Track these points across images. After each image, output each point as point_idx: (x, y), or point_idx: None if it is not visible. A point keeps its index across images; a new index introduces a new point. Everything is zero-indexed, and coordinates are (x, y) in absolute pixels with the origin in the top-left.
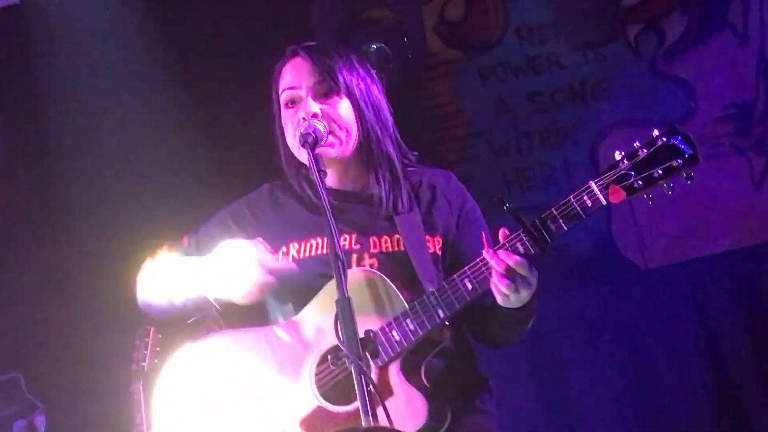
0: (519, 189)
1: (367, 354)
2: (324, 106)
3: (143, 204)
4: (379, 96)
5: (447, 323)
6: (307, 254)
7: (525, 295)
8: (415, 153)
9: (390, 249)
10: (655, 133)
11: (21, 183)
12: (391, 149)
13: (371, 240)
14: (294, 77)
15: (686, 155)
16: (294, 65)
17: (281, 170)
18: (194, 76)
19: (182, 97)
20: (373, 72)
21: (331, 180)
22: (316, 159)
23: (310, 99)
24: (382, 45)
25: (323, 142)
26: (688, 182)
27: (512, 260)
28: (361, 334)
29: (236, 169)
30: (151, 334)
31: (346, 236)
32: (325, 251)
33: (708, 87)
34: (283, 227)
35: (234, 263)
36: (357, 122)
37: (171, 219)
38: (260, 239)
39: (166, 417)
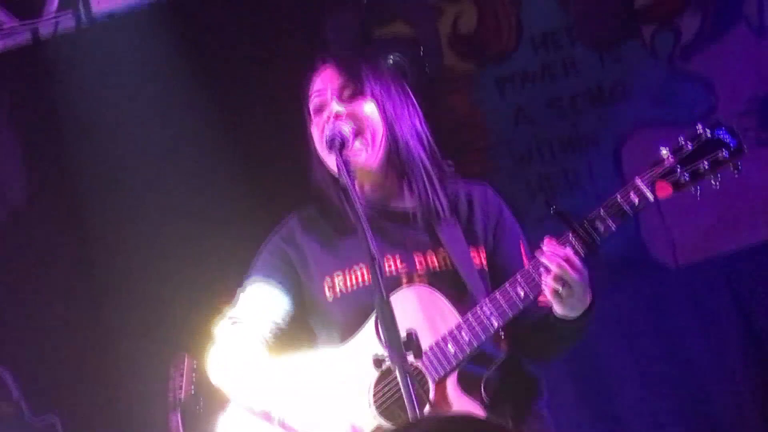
0: (544, 197)
1: (420, 364)
2: (348, 107)
3: (175, 237)
4: (407, 103)
5: (503, 335)
6: (352, 286)
7: (579, 291)
8: (450, 163)
9: (437, 266)
10: (699, 126)
11: (48, 220)
12: (423, 155)
13: (416, 258)
14: (321, 83)
15: (732, 147)
16: (321, 73)
17: (314, 188)
18: (219, 103)
19: (210, 124)
20: (404, 82)
21: (369, 196)
22: (345, 161)
23: (334, 100)
24: (399, 57)
25: (350, 144)
26: (736, 174)
27: (562, 254)
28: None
29: (273, 198)
30: (186, 362)
31: (390, 257)
32: (369, 278)
33: (727, 82)
34: (325, 258)
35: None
36: (384, 125)
37: (204, 252)
38: None
39: None
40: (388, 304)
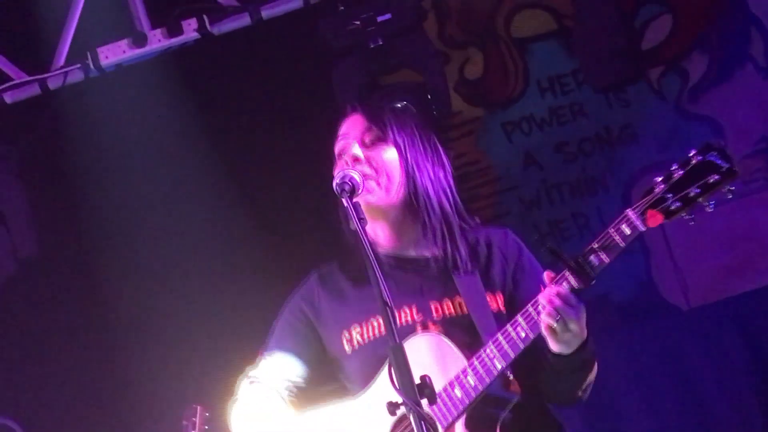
0: (554, 241)
1: (432, 411)
2: (367, 152)
3: (186, 289)
4: (434, 154)
5: (512, 377)
6: (369, 337)
7: (574, 328)
8: (476, 219)
9: (453, 313)
10: (691, 152)
11: (58, 271)
12: (446, 205)
13: (432, 306)
14: (346, 128)
15: (722, 170)
16: (349, 120)
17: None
18: (228, 152)
19: (219, 174)
20: (431, 134)
21: (387, 243)
22: (356, 207)
23: (355, 144)
24: (406, 103)
25: (360, 190)
26: (729, 197)
27: (555, 290)
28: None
29: (288, 251)
30: (198, 413)
31: (407, 309)
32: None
33: (736, 123)
34: (343, 313)
35: None
36: (403, 172)
37: (217, 303)
38: None
39: None
40: (401, 349)
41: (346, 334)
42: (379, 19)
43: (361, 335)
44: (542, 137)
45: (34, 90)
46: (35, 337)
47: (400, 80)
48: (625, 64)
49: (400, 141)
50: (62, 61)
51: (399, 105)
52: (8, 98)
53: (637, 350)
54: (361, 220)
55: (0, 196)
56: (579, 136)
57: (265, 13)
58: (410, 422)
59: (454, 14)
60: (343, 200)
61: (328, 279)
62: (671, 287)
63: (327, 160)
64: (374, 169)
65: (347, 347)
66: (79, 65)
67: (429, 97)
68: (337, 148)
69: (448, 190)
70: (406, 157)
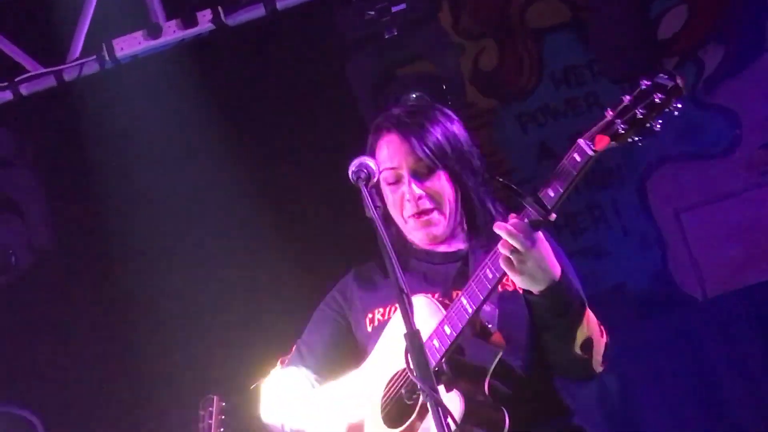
0: (570, 234)
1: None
2: (425, 187)
3: (203, 278)
4: (469, 144)
5: (493, 328)
6: (390, 316)
7: (532, 257)
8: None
9: None
10: (642, 78)
11: (75, 263)
12: (486, 200)
13: (453, 293)
14: (392, 157)
15: (667, 88)
16: (390, 143)
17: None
18: (244, 140)
19: (236, 161)
20: (459, 121)
21: (422, 243)
22: (371, 194)
23: (414, 185)
24: (421, 94)
25: (376, 178)
26: (675, 113)
27: (510, 223)
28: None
29: (309, 248)
30: (215, 403)
31: (430, 295)
32: None
33: (752, 114)
34: (370, 299)
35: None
36: (457, 189)
37: (234, 294)
38: None
39: None
40: (418, 335)
41: (370, 315)
42: (394, 9)
43: (383, 315)
44: (557, 128)
45: (50, 82)
46: (52, 328)
47: (414, 71)
48: (640, 54)
49: (449, 162)
50: (78, 52)
51: (414, 96)
52: (24, 90)
53: (653, 341)
54: (377, 208)
55: (16, 188)
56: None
57: (280, 4)
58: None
59: (469, 5)
60: (360, 188)
61: (363, 274)
62: (687, 278)
63: (344, 151)
64: (437, 203)
65: (369, 327)
66: (94, 57)
67: (444, 88)
68: (387, 176)
69: (482, 173)
70: (457, 174)
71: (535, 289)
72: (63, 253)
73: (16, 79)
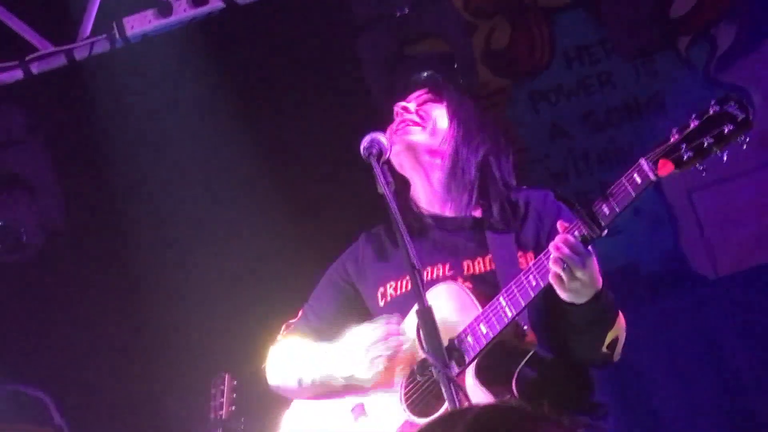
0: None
1: (453, 363)
2: (419, 107)
3: (215, 258)
4: (483, 120)
5: (525, 327)
6: (402, 291)
7: (581, 276)
8: (513, 182)
9: (483, 270)
10: (711, 103)
11: (86, 242)
12: (494, 167)
13: (464, 264)
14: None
15: (738, 120)
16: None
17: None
18: (255, 119)
19: (248, 140)
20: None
21: (428, 202)
22: (383, 170)
23: (406, 101)
24: (433, 72)
25: (387, 154)
26: (744, 147)
27: (562, 238)
28: (445, 342)
29: (321, 223)
30: (226, 381)
31: (440, 266)
32: None
33: (765, 92)
34: (382, 271)
35: (360, 346)
36: (453, 131)
37: (245, 272)
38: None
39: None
40: (430, 312)
41: (381, 289)
42: None
43: (394, 289)
44: (569, 107)
45: (61, 61)
46: (63, 306)
47: (426, 50)
48: (652, 32)
49: (453, 104)
50: (88, 31)
51: (425, 74)
52: (35, 69)
53: (665, 320)
54: (389, 183)
55: (27, 167)
56: (607, 105)
57: None
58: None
59: None
60: (372, 163)
61: (373, 239)
62: (699, 257)
63: (358, 124)
64: (421, 117)
65: (381, 301)
66: (105, 36)
67: (455, 66)
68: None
69: (492, 148)
70: (458, 118)
71: (578, 301)
72: (74, 231)
73: (26, 58)
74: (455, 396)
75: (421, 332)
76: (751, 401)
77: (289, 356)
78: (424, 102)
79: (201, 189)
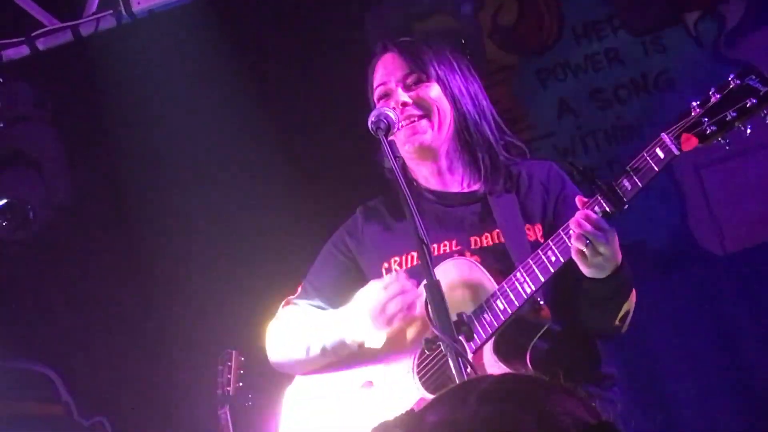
0: (588, 189)
1: (462, 337)
2: (413, 95)
3: (222, 234)
4: (474, 85)
5: (542, 302)
6: (408, 266)
7: (604, 252)
8: (520, 143)
9: (490, 243)
10: (731, 76)
11: (94, 218)
12: (489, 135)
13: (471, 239)
14: (384, 73)
15: (761, 93)
16: (385, 61)
17: (381, 171)
18: (263, 95)
19: (256, 118)
20: (467, 62)
21: (433, 181)
22: (391, 144)
23: (399, 89)
24: (407, 40)
25: (395, 129)
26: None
27: (584, 214)
28: (454, 317)
29: (327, 200)
30: (233, 357)
31: (446, 242)
32: None
33: None
34: (383, 245)
35: (373, 304)
36: (450, 106)
37: (252, 249)
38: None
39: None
40: (438, 286)
41: (386, 265)
42: None
43: (399, 264)
44: (577, 84)
45: (67, 37)
46: (70, 284)
47: (434, 26)
48: (661, 8)
49: (443, 76)
50: (94, 7)
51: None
52: (41, 45)
53: (673, 296)
54: (397, 158)
55: (34, 144)
56: (614, 82)
57: None
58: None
59: None
60: (380, 138)
61: (372, 213)
62: (707, 234)
63: (361, 99)
64: (425, 110)
65: (385, 276)
66: (111, 11)
67: (463, 42)
68: (377, 93)
69: (490, 116)
70: (452, 91)
71: (600, 276)
72: (81, 209)
73: (32, 34)
74: (464, 371)
75: (429, 307)
76: (758, 377)
77: (295, 326)
78: (415, 85)
79: (208, 166)
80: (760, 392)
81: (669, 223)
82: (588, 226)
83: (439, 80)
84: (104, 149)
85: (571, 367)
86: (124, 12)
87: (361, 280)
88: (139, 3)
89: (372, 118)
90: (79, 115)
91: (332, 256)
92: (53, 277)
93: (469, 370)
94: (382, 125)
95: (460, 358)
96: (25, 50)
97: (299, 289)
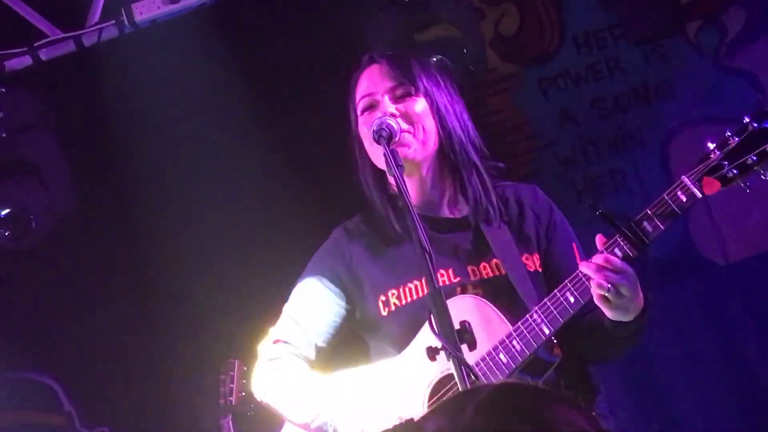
0: (590, 199)
1: (464, 346)
2: (400, 107)
3: (224, 244)
4: (459, 102)
5: (555, 340)
6: (407, 300)
7: (627, 293)
8: (501, 164)
9: (491, 275)
10: (746, 119)
11: (96, 228)
12: (474, 155)
13: (469, 269)
14: (371, 84)
15: None
16: (371, 72)
17: (362, 189)
18: (265, 106)
19: (257, 129)
20: (452, 79)
21: (419, 202)
22: (393, 153)
23: (387, 99)
24: (442, 57)
25: (397, 138)
26: None
27: (603, 259)
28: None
29: (323, 206)
30: (236, 367)
31: (443, 271)
32: (423, 293)
33: None
34: (379, 276)
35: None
36: (436, 122)
37: (254, 259)
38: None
39: None
40: (440, 294)
41: (383, 297)
42: None
43: (398, 298)
44: (578, 93)
45: (70, 47)
46: (73, 294)
47: (435, 36)
48: (662, 17)
49: (430, 92)
50: (97, 17)
51: (434, 59)
52: (44, 55)
53: (675, 306)
54: (399, 167)
55: (37, 153)
56: (615, 91)
57: None
58: (447, 386)
59: None
60: (381, 147)
61: (356, 234)
62: (709, 243)
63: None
64: (411, 124)
65: (383, 310)
66: (113, 21)
67: (464, 52)
68: (361, 105)
69: (473, 135)
70: (438, 107)
71: (623, 319)
72: (83, 217)
73: (35, 44)
74: (467, 380)
75: (432, 315)
76: (761, 386)
77: (274, 384)
78: (402, 98)
79: (211, 174)
80: (763, 400)
81: (672, 232)
82: (610, 274)
83: (426, 95)
84: (107, 158)
85: (577, 391)
86: (126, 22)
87: (351, 309)
88: (141, 13)
89: (374, 126)
90: (81, 124)
91: (318, 283)
92: (56, 287)
93: (472, 378)
94: (384, 134)
95: (462, 367)
96: (27, 60)
97: (286, 322)
